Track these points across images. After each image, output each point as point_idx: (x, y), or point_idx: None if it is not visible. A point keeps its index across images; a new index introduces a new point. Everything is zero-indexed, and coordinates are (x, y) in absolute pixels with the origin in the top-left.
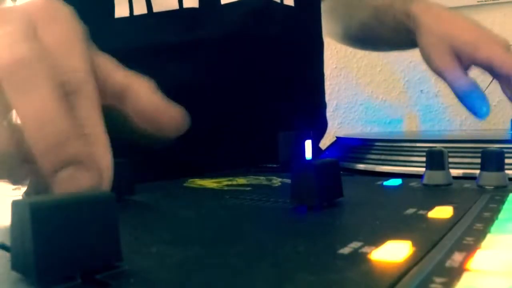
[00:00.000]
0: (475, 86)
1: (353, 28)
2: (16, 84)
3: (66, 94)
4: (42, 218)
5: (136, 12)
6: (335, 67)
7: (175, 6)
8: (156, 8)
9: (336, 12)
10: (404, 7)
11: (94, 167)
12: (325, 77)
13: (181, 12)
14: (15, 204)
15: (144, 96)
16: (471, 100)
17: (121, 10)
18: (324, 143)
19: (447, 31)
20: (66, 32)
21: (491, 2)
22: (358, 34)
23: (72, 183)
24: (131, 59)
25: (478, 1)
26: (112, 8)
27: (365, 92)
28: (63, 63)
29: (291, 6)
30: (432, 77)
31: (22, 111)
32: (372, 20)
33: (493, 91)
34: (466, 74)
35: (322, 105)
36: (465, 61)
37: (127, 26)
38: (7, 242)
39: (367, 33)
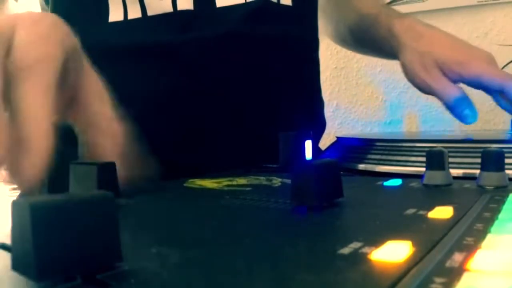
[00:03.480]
0: (464, 94)
1: (341, 31)
2: None
3: (16, 80)
4: (42, 218)
5: (131, 16)
6: (335, 68)
7: (170, 9)
8: (150, 12)
9: (325, 13)
10: (387, 24)
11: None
12: (325, 77)
13: (176, 14)
14: (15, 204)
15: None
16: (462, 109)
17: (115, 15)
18: (324, 143)
19: (431, 50)
20: (44, 34)
21: (491, 2)
22: (346, 37)
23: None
24: (126, 62)
25: (478, 1)
26: (106, 13)
27: (365, 92)
28: (28, 53)
29: (288, 6)
30: None
31: None
32: (358, 27)
33: None
34: (454, 84)
35: (319, 104)
36: (451, 78)
37: (121, 29)
38: (8, 242)
39: (354, 37)
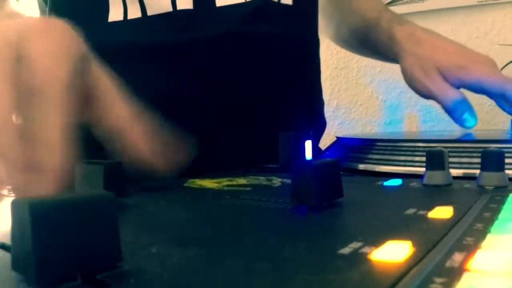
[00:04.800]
0: (463, 97)
1: (343, 32)
2: None
3: (28, 95)
4: (42, 218)
5: (130, 16)
6: (335, 67)
7: (169, 8)
8: (150, 12)
9: (326, 13)
10: (388, 30)
11: (43, 172)
12: (325, 77)
13: (176, 14)
14: (15, 204)
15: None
16: (461, 112)
17: (115, 14)
18: (324, 143)
19: (431, 55)
20: (55, 45)
21: (491, 2)
22: (348, 38)
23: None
24: (125, 62)
25: (478, 1)
26: (106, 12)
27: (365, 92)
28: (39, 68)
29: (289, 5)
30: None
31: None
32: (359, 30)
33: None
34: (453, 87)
35: (320, 104)
36: (453, 83)
37: (121, 29)
38: (8, 242)
39: (356, 40)
